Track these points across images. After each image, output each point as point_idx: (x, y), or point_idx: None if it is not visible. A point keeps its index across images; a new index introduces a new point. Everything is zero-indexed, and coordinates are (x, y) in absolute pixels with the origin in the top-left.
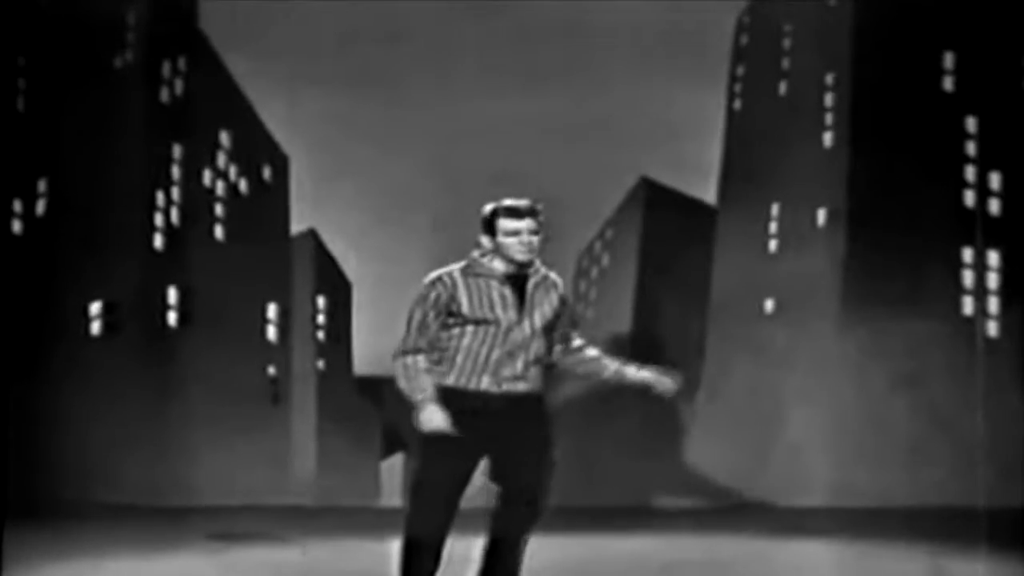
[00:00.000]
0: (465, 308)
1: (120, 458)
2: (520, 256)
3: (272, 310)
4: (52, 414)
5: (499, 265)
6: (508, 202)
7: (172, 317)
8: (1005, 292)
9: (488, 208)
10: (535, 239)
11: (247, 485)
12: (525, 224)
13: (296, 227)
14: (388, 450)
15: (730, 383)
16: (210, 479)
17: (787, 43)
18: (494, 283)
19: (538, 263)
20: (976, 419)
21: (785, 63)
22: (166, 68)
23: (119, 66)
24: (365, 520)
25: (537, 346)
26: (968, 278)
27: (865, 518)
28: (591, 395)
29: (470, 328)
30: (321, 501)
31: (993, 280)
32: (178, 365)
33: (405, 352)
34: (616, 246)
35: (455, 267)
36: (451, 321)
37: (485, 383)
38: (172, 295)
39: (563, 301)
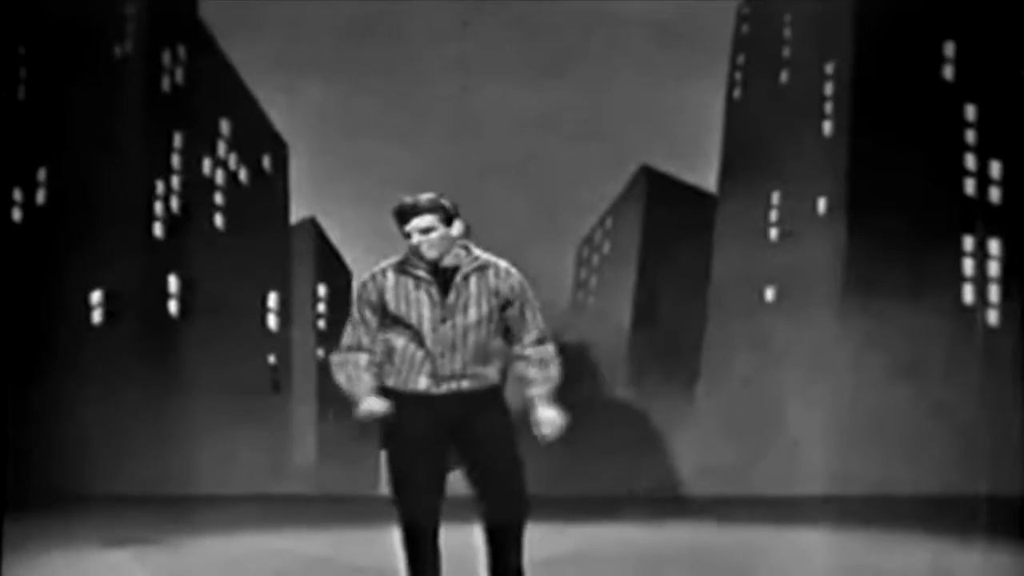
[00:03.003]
0: (391, 307)
1: (120, 447)
2: (428, 253)
3: (272, 299)
4: (52, 403)
5: (424, 262)
6: (401, 202)
7: (173, 306)
8: (1006, 281)
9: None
10: (434, 236)
11: (247, 473)
12: (412, 225)
13: (296, 216)
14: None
15: (730, 371)
16: (210, 467)
17: (787, 32)
18: (421, 281)
19: (478, 253)
20: (976, 408)
21: (785, 52)
22: (166, 57)
23: (119, 55)
24: (365, 508)
25: (478, 340)
26: (969, 267)
27: (864, 507)
28: (585, 385)
29: (400, 328)
30: (321, 489)
31: (994, 268)
32: (179, 354)
33: (342, 348)
34: (616, 234)
35: (392, 261)
36: (386, 320)
37: (423, 384)
38: (173, 284)
39: (511, 292)
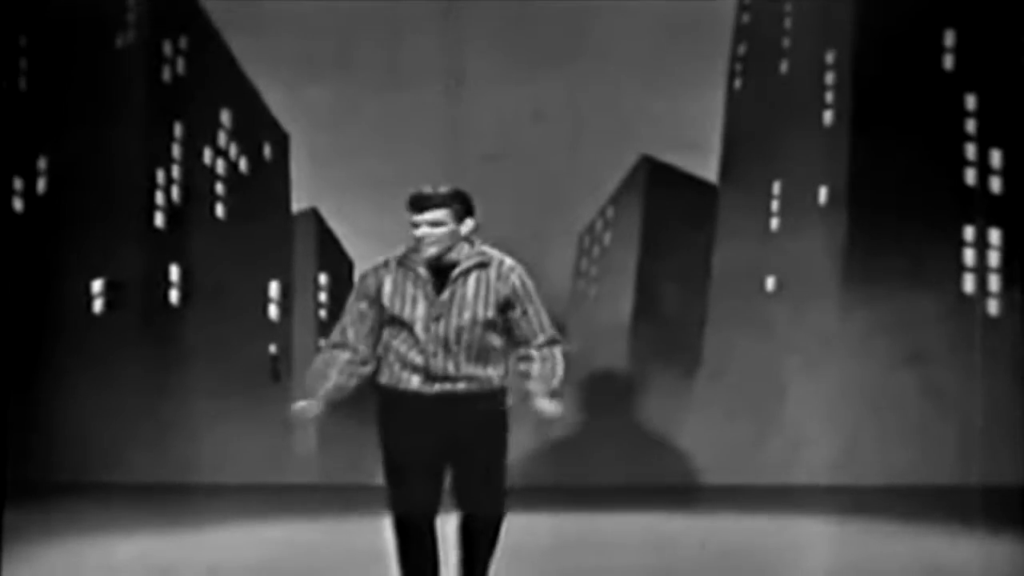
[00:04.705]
0: (387, 303)
1: (121, 436)
2: (427, 249)
3: (274, 288)
4: (53, 392)
5: (424, 256)
6: (418, 190)
7: (174, 295)
8: (1006, 270)
9: None
10: (440, 231)
11: (248, 462)
12: (422, 217)
13: (297, 205)
14: None
15: (731, 361)
16: (210, 456)
17: (788, 22)
18: (420, 275)
19: (484, 248)
20: (976, 397)
21: (786, 42)
22: (167, 47)
23: (120, 45)
24: (366, 497)
25: (473, 340)
26: (969, 256)
27: (865, 496)
28: (588, 374)
29: (396, 324)
30: (322, 478)
31: (994, 258)
32: (179, 343)
33: (327, 345)
34: (617, 224)
35: (396, 254)
36: (384, 316)
37: (416, 383)
38: (174, 273)
39: (513, 293)
